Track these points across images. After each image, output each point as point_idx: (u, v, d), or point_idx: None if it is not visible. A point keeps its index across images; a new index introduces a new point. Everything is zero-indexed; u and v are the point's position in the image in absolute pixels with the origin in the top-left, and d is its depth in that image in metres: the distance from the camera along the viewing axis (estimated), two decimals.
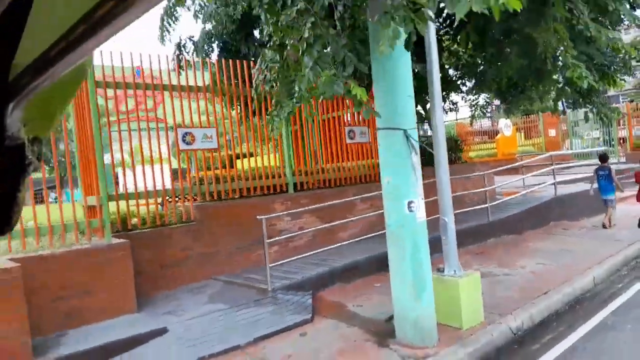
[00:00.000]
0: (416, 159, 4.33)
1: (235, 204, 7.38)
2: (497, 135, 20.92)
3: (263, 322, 5.17)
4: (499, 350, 4.63)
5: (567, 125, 21.79)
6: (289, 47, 4.23)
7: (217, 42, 11.60)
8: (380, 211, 8.02)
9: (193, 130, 6.92)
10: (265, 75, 5.43)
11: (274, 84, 5.33)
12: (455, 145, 11.32)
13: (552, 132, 21.62)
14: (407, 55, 4.33)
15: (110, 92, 5.88)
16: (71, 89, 0.53)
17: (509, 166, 11.47)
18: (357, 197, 8.35)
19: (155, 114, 6.65)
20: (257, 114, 7.69)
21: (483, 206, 8.96)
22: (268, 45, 5.87)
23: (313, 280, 6.35)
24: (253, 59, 8.85)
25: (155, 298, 5.90)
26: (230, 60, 7.50)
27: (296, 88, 4.40)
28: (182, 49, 11.83)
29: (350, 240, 7.59)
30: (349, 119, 9.23)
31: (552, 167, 10.25)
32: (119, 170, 10.47)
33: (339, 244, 7.34)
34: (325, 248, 7.15)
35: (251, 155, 8.46)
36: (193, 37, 11.84)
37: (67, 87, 0.50)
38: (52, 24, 0.41)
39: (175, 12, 11.33)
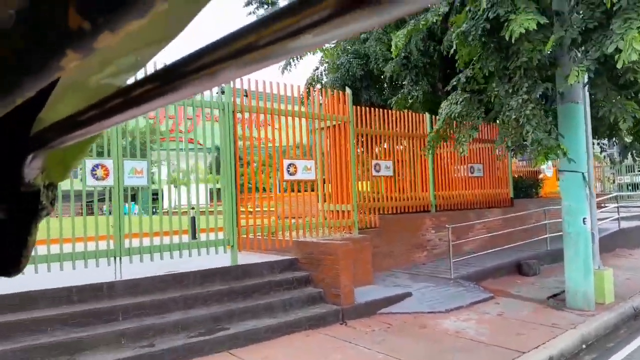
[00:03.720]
0: (588, 191, 6.99)
1: (400, 217, 10.00)
2: (539, 175, 23.71)
3: (464, 295, 7.73)
4: (629, 316, 7.16)
5: (601, 170, 24.48)
6: (512, 118, 6.84)
7: (341, 86, 14.40)
8: (491, 234, 10.64)
9: (380, 162, 9.61)
10: (451, 114, 7.90)
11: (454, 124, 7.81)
12: (534, 183, 14.01)
13: None
14: (582, 127, 7.03)
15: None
16: (90, 140, 0.52)
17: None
18: (478, 221, 10.97)
19: (368, 151, 9.33)
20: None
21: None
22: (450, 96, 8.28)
23: (474, 274, 8.90)
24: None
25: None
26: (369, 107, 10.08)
27: (508, 143, 7.14)
28: (311, 87, 14.71)
29: (478, 253, 10.14)
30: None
31: (617, 205, 12.88)
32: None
33: (471, 255, 9.91)
34: (467, 256, 9.73)
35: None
36: (322, 79, 14.71)
37: (86, 139, 0.47)
38: (86, 88, 0.42)
39: (298, 57, 14.34)
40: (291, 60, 14.73)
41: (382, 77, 14.27)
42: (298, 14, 0.25)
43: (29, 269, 5.37)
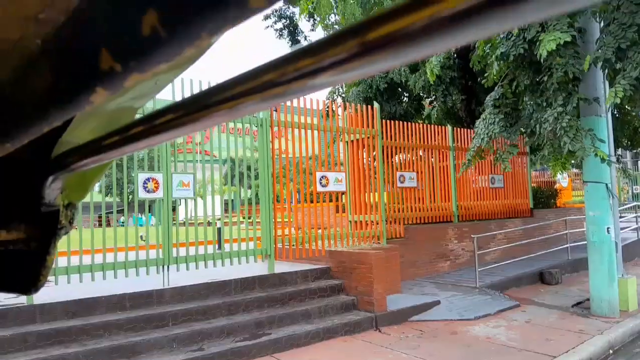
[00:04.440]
0: (612, 202, 7.23)
1: (424, 227, 10.26)
2: (554, 185, 23.83)
3: (491, 303, 7.95)
4: None
5: (617, 181, 24.49)
6: (548, 130, 7.06)
7: (364, 99, 14.71)
8: (512, 244, 10.84)
9: (405, 173, 9.90)
10: (490, 135, 8.20)
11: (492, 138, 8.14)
12: (553, 194, 14.21)
13: None
14: (605, 140, 7.28)
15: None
16: (109, 163, 0.53)
17: None
18: (500, 231, 11.20)
19: (395, 164, 9.65)
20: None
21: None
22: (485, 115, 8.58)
23: (498, 283, 9.12)
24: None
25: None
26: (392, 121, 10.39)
27: (545, 152, 7.41)
28: (333, 102, 15.07)
29: (501, 263, 10.36)
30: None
31: (636, 214, 13.03)
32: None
33: (494, 265, 10.13)
34: (490, 266, 9.95)
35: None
36: (343, 95, 15.08)
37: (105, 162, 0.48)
38: (106, 111, 0.44)
39: None
40: None
41: (400, 89, 14.64)
42: (320, 54, 0.25)
43: (86, 277, 5.73)
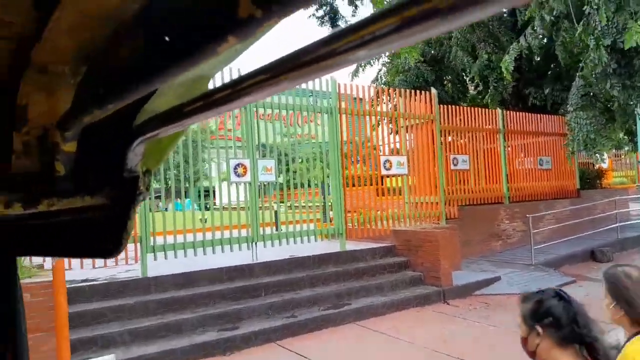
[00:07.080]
0: None
1: (477, 208, 10.65)
2: (594, 166, 23.68)
3: (548, 279, 8.35)
4: None
5: None
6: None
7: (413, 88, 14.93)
8: (561, 224, 11.13)
9: (457, 156, 10.29)
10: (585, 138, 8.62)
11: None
12: (600, 174, 14.37)
13: None
14: None
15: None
16: (181, 132, 0.55)
17: None
18: (550, 211, 11.52)
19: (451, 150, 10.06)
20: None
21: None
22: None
23: (551, 261, 9.50)
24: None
25: None
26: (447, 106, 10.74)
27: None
28: (382, 91, 15.44)
29: (551, 242, 10.69)
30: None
31: None
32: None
33: (545, 244, 10.47)
34: (541, 245, 10.30)
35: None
36: (388, 83, 15.40)
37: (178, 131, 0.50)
38: (189, 83, 0.45)
39: (371, 61, 15.22)
40: (359, 67, 15.55)
41: (447, 77, 14.93)
42: (360, 31, 0.25)
43: (189, 252, 6.41)
